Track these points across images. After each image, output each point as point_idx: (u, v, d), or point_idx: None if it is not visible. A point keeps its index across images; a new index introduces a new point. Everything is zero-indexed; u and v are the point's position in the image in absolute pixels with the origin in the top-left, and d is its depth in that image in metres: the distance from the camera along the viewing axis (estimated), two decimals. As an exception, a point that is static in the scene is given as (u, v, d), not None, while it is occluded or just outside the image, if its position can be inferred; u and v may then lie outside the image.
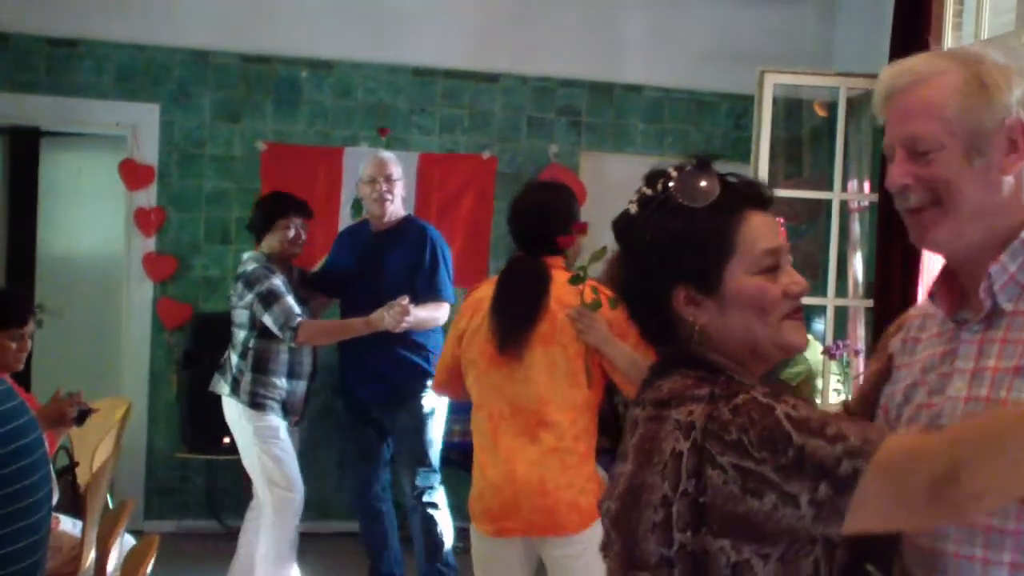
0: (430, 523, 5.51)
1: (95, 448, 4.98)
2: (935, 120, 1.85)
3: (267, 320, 5.33)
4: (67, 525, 4.45)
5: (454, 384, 3.98)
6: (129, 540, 4.15)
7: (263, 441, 5.42)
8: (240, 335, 5.47)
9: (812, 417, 1.70)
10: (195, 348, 6.90)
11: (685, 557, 1.76)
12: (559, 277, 3.79)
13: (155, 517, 6.90)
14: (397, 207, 5.63)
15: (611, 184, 7.02)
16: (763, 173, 6.37)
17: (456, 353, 3.91)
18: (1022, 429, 1.59)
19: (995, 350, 1.84)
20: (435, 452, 5.57)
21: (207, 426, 6.76)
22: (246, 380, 5.40)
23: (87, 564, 4.26)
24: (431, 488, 5.54)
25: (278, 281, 5.38)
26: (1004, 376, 1.82)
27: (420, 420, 5.51)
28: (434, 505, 5.54)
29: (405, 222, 5.69)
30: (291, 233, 5.53)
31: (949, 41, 6.41)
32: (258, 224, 5.61)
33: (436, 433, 5.58)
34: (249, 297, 5.37)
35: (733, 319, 1.89)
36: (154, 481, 7.06)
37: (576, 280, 3.73)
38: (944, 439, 1.65)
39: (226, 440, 6.72)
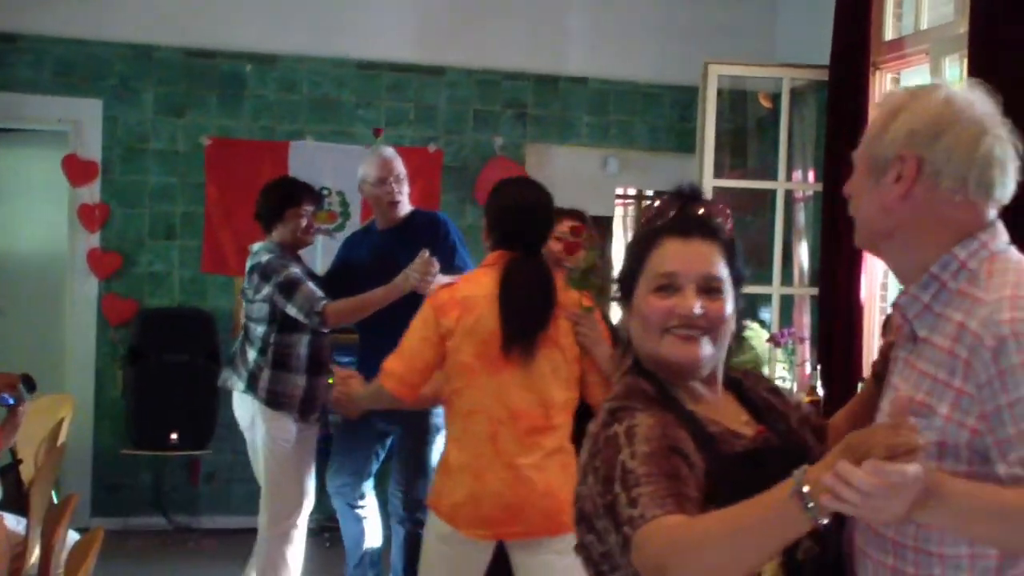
0: (418, 539, 5.35)
1: (39, 445, 4.94)
2: (863, 143, 2.05)
3: (291, 310, 5.04)
4: (11, 522, 4.40)
5: (420, 386, 3.81)
6: (74, 537, 4.11)
7: (273, 442, 5.16)
8: (258, 329, 5.18)
9: (636, 471, 1.90)
10: (140, 344, 6.85)
11: (578, 548, 2.10)
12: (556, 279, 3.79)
13: (101, 514, 6.83)
14: (405, 203, 5.38)
15: (557, 176, 7.04)
16: (708, 164, 6.42)
17: (439, 352, 3.74)
18: (727, 533, 1.72)
19: (908, 374, 1.95)
20: (431, 457, 5.36)
21: (153, 422, 6.73)
22: (265, 376, 5.12)
23: (31, 561, 4.22)
24: (419, 498, 5.35)
25: (296, 269, 5.12)
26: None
27: (428, 432, 5.22)
28: (423, 523, 5.39)
29: (413, 216, 5.40)
30: (304, 222, 5.26)
31: (890, 32, 6.48)
32: (268, 213, 5.29)
33: (433, 439, 5.38)
34: (267, 289, 5.08)
35: (635, 330, 2.18)
36: (100, 478, 6.99)
37: (582, 283, 3.74)
38: (678, 530, 1.79)
39: (173, 436, 6.70)
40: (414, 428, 5.19)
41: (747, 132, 7.63)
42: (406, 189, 5.33)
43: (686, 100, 7.41)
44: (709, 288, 2.12)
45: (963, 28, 5.53)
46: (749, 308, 7.13)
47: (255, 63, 7.16)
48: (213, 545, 6.83)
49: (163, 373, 6.80)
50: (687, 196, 2.23)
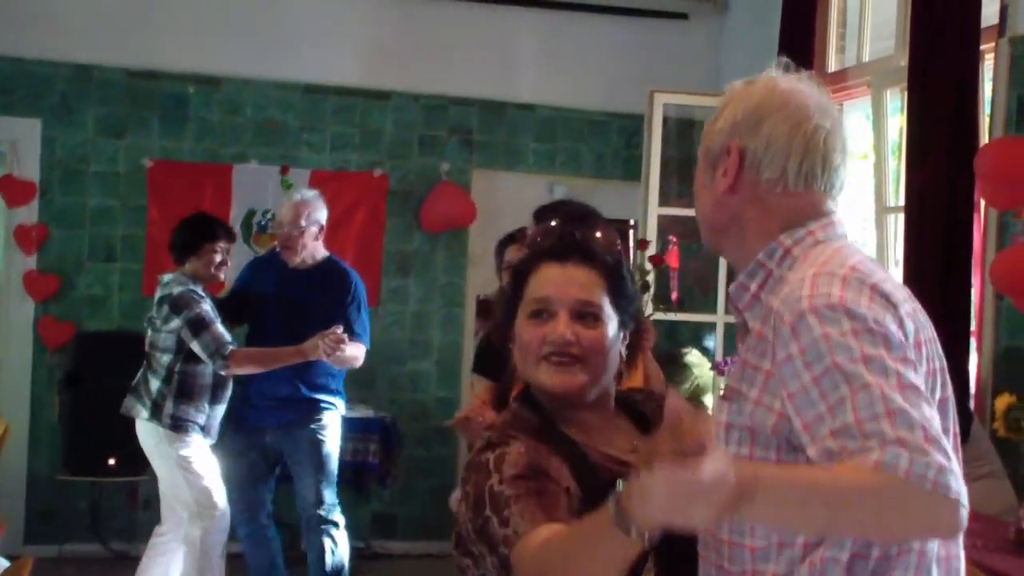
0: (332, 542, 5.48)
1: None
2: (702, 137, 2.00)
3: (196, 347, 5.18)
4: (-59, 551, 4.31)
5: None
6: (3, 564, 4.03)
7: (187, 464, 5.28)
8: (164, 359, 5.29)
9: (504, 493, 1.88)
10: (78, 368, 6.75)
11: (457, 572, 2.08)
12: None
13: (36, 541, 6.69)
14: (312, 249, 5.55)
15: (502, 202, 7.04)
16: (654, 191, 6.44)
17: None
18: (584, 548, 1.68)
19: (735, 367, 1.90)
20: (334, 466, 5.54)
21: (90, 448, 6.62)
22: (168, 404, 5.24)
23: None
24: (332, 505, 5.51)
25: (207, 307, 5.25)
26: (722, 399, 1.87)
27: (319, 433, 5.48)
28: (335, 524, 5.51)
29: (327, 263, 5.62)
30: (218, 258, 5.38)
31: (833, 64, 6.55)
32: (182, 245, 5.41)
33: (333, 447, 5.55)
34: (176, 322, 5.20)
35: (516, 357, 2.15)
36: (35, 504, 6.86)
37: None
38: (550, 543, 1.76)
39: (111, 461, 6.59)
40: (300, 440, 5.48)
41: (693, 160, 7.64)
42: (308, 237, 5.55)
43: (633, 128, 7.42)
44: (584, 314, 2.08)
45: (903, 61, 5.59)
46: (693, 336, 7.19)
47: (199, 85, 7.09)
48: (150, 573, 6.71)
49: (101, 397, 6.66)
50: (574, 218, 2.25)
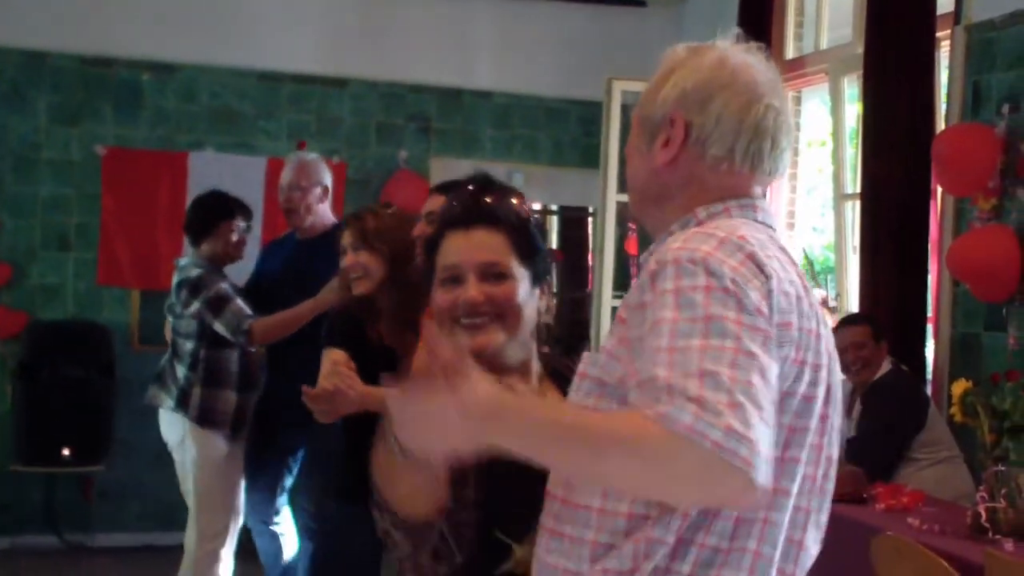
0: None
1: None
2: (639, 103, 1.93)
3: (218, 326, 4.91)
4: None
5: None
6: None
7: (204, 461, 5.04)
8: (187, 345, 5.04)
9: None
10: (31, 358, 6.66)
11: None
12: None
13: (-11, 534, 6.64)
14: (321, 215, 5.22)
15: (461, 190, 7.01)
16: (613, 179, 6.44)
17: None
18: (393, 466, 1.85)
19: None
20: None
21: (44, 438, 6.55)
22: (196, 394, 4.98)
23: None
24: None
25: (225, 285, 5.01)
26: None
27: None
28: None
29: (335, 229, 5.31)
30: (235, 237, 5.15)
31: (791, 52, 6.56)
32: (197, 226, 5.17)
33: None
34: (196, 305, 4.94)
35: (436, 325, 2.13)
36: (-11, 497, 6.79)
37: None
38: None
39: (65, 452, 6.53)
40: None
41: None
42: (313, 199, 5.20)
43: (591, 115, 7.41)
44: (491, 274, 2.11)
45: (861, 48, 5.62)
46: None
47: (153, 72, 7.02)
48: (107, 564, 6.66)
49: (55, 387, 6.62)
50: (476, 188, 2.27)
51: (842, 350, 5.08)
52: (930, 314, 5.33)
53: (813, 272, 8.73)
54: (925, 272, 5.29)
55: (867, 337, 4.97)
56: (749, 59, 1.85)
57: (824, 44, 6.33)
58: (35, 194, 6.88)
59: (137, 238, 6.95)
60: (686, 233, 1.68)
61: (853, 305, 5.80)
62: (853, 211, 5.94)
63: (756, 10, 6.37)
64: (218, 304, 4.93)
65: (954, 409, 4.38)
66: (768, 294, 1.58)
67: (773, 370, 1.52)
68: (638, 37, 7.51)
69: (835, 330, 5.29)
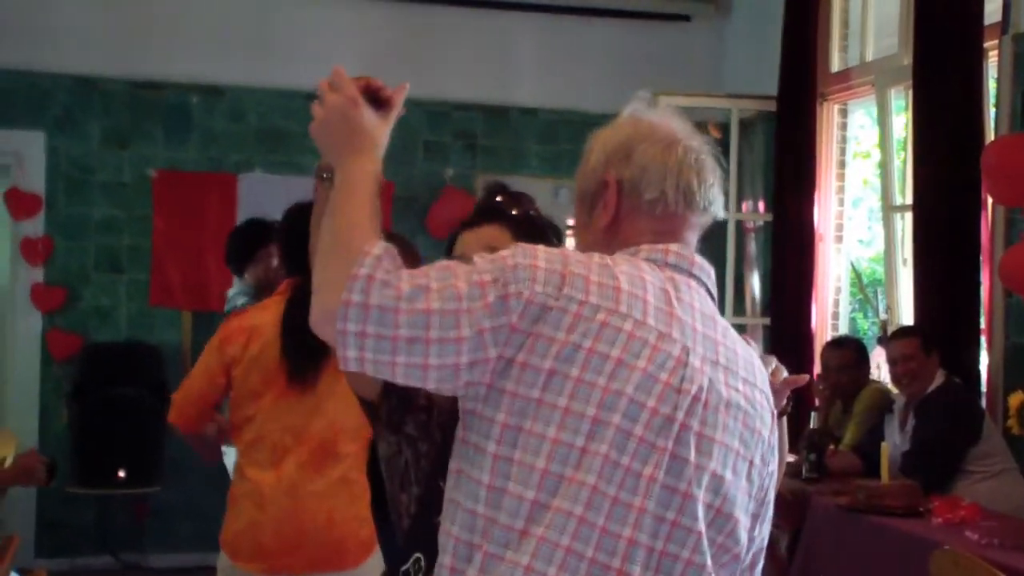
0: None
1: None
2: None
3: None
4: (-47, 566, 4.30)
5: (204, 419, 3.76)
6: (17, 579, 4.02)
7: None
8: None
9: None
10: (86, 379, 6.74)
11: None
12: None
13: (46, 555, 6.69)
14: None
15: (508, 207, 7.02)
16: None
17: (217, 383, 3.66)
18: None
19: None
20: None
21: (100, 459, 6.62)
22: None
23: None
24: None
25: None
26: None
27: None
28: None
29: None
30: (275, 261, 5.03)
31: (836, 64, 6.54)
32: (237, 255, 5.28)
33: None
34: None
35: None
36: (44, 517, 6.85)
37: None
38: None
39: (120, 473, 6.59)
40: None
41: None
42: None
43: (635, 130, 7.39)
44: None
45: (908, 59, 5.59)
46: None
47: (202, 94, 7.10)
48: (161, 584, 6.72)
49: (109, 409, 6.69)
50: (489, 193, 2.38)
51: (892, 362, 5.13)
52: (983, 325, 5.28)
53: (862, 285, 8.67)
54: (977, 283, 5.24)
55: (916, 349, 4.95)
56: (661, 114, 1.98)
57: (870, 56, 6.29)
58: (88, 217, 6.97)
59: (188, 259, 7.02)
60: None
61: (905, 318, 5.76)
62: (903, 223, 5.90)
63: (800, 23, 6.35)
64: None
65: (1011, 422, 4.35)
66: (540, 308, 1.67)
67: (468, 320, 1.66)
68: (682, 51, 7.52)
69: (887, 342, 5.32)
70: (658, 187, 1.87)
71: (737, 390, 1.78)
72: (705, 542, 1.71)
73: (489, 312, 1.67)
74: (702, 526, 1.71)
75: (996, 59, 5.25)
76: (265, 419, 3.59)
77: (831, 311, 6.35)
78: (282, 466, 3.55)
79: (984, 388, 5.20)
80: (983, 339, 5.26)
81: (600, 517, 1.65)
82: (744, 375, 1.81)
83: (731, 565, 1.79)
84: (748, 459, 1.78)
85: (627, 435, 1.66)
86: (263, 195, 7.02)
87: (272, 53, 7.14)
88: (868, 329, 9.81)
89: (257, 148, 7.18)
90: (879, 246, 8.68)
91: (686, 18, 7.68)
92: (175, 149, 7.08)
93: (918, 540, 3.87)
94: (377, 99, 2.04)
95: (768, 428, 1.83)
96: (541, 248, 1.76)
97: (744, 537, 1.79)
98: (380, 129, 2.00)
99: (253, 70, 7.13)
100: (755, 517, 1.84)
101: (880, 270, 8.58)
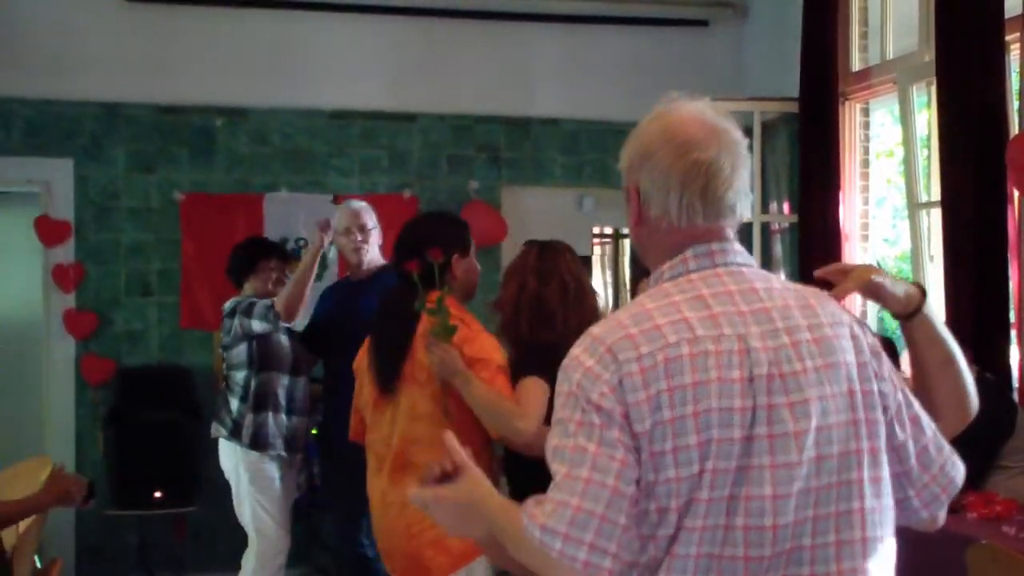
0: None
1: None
2: None
3: (255, 325, 5.23)
4: (-4, 591, 4.34)
5: (355, 426, 3.92)
6: (61, 603, 4.05)
7: (257, 491, 5.34)
8: (238, 376, 5.36)
9: None
10: (120, 403, 6.80)
11: None
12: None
13: (87, 578, 6.76)
14: (375, 255, 5.45)
15: (532, 217, 7.06)
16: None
17: (359, 394, 3.87)
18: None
19: None
20: None
21: (137, 481, 6.66)
22: (248, 421, 5.30)
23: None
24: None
25: (255, 299, 5.33)
26: None
27: None
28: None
29: (383, 271, 5.46)
30: (275, 275, 5.49)
31: (857, 63, 6.53)
32: (239, 268, 5.53)
33: None
34: (236, 321, 5.29)
35: None
36: (84, 541, 6.91)
37: (433, 311, 3.52)
38: None
39: (157, 494, 6.63)
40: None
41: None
42: (373, 240, 5.42)
43: (658, 137, 7.40)
44: None
45: (929, 56, 5.58)
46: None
47: (225, 117, 7.15)
48: (201, 603, 6.75)
49: (144, 431, 6.74)
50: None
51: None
52: (1012, 320, 5.26)
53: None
54: (1006, 278, 5.22)
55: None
56: (686, 114, 1.97)
57: (891, 54, 6.28)
58: (117, 242, 7.03)
59: (217, 281, 6.97)
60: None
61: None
62: (929, 219, 5.88)
63: (819, 24, 6.35)
64: (249, 307, 5.26)
65: (1044, 415, 4.32)
66: (617, 384, 1.75)
67: (608, 454, 1.72)
68: (702, 56, 7.53)
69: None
70: (661, 204, 1.91)
71: (801, 341, 1.81)
72: (852, 488, 1.79)
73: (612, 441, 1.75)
74: (833, 479, 1.78)
75: (1018, 52, 5.24)
76: (370, 428, 3.76)
77: (859, 311, 6.32)
78: (380, 474, 3.69)
79: (1016, 383, 5.17)
80: (1013, 333, 5.24)
81: (739, 520, 1.74)
82: (804, 320, 1.84)
83: (895, 479, 1.89)
84: (845, 392, 1.81)
85: (731, 442, 1.73)
86: (289, 214, 7.09)
87: (294, 74, 7.19)
88: (896, 328, 9.77)
89: (282, 168, 7.22)
90: (904, 244, 8.66)
91: (704, 23, 7.69)
92: (201, 172, 7.14)
93: (954, 535, 3.85)
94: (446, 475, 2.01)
95: (851, 350, 1.85)
96: (576, 346, 1.84)
97: (883, 459, 1.84)
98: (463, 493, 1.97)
99: (276, 91, 7.18)
100: (891, 424, 1.87)
101: (907, 268, 8.55)
